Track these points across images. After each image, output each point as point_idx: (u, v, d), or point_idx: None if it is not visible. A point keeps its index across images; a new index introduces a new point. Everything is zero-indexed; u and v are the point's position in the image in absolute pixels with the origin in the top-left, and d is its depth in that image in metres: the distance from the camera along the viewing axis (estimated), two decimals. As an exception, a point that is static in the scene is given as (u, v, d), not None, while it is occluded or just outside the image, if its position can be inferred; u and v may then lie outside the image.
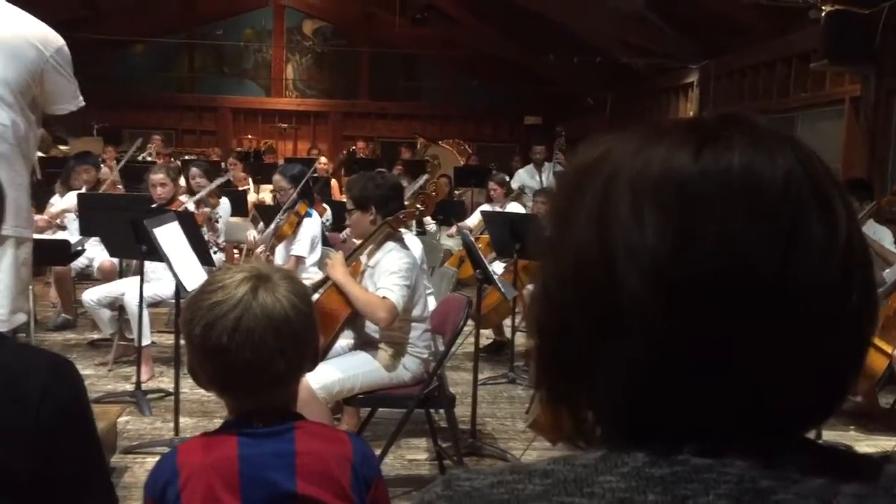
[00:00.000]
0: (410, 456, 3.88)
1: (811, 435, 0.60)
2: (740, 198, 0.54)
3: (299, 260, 5.20)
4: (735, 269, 0.54)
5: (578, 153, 0.64)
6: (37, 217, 6.15)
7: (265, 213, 6.55)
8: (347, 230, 6.02)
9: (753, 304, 0.54)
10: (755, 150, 0.56)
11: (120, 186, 7.08)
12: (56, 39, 2.97)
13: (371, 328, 3.47)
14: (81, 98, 3.11)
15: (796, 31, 7.74)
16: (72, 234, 5.96)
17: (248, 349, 1.36)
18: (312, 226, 5.30)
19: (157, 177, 5.47)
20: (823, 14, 6.54)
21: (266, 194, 9.32)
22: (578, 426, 0.62)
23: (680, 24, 9.47)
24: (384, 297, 3.23)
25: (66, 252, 5.60)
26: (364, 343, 3.50)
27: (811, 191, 0.55)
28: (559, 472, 0.57)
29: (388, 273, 3.29)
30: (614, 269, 0.56)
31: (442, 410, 3.72)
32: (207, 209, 5.74)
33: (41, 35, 2.92)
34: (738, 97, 9.15)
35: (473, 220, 7.31)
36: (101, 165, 7.39)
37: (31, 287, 5.46)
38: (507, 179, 7.53)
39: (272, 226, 5.48)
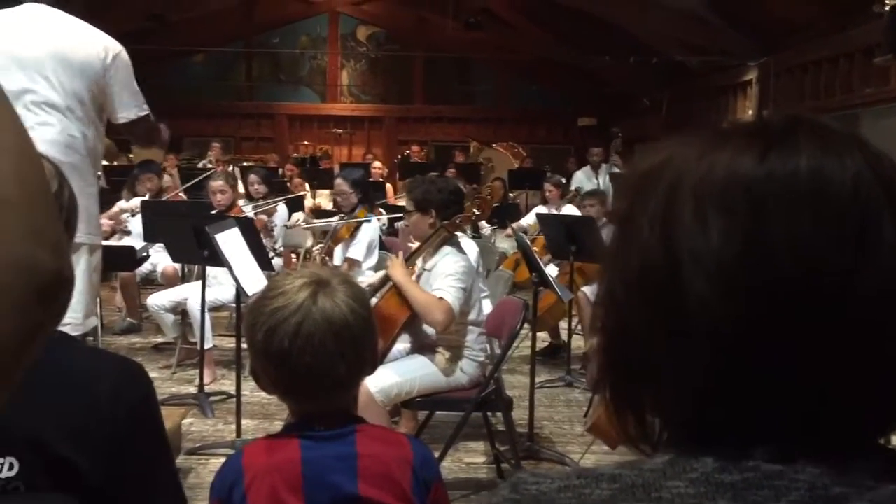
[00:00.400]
0: (468, 459, 3.89)
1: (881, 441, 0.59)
2: (808, 201, 0.54)
3: (354, 263, 5.25)
4: (803, 272, 0.53)
5: (638, 159, 0.64)
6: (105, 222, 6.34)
7: (322, 218, 6.64)
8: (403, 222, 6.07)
9: (821, 308, 0.53)
10: (823, 153, 0.56)
11: (182, 194, 7.26)
12: (115, 47, 3.03)
13: (429, 330, 3.49)
14: (146, 106, 3.15)
15: (859, 26, 7.53)
16: (136, 240, 6.12)
17: (309, 354, 1.38)
18: (370, 230, 5.35)
19: (217, 184, 5.59)
20: (887, 8, 6.35)
21: (322, 199, 9.44)
22: (642, 430, 0.62)
23: (737, 21, 9.30)
24: (440, 298, 3.24)
25: (131, 258, 5.75)
26: (421, 346, 3.52)
27: (881, 192, 0.55)
28: (627, 476, 0.57)
29: (444, 275, 3.31)
30: (679, 273, 0.56)
31: (499, 414, 3.72)
32: (264, 217, 5.85)
33: (102, 45, 2.99)
34: (798, 95, 8.94)
35: (529, 219, 7.29)
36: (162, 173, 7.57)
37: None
38: (563, 181, 7.50)
39: (332, 224, 5.56)
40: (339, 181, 5.64)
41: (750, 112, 10.10)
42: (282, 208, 6.45)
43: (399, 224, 6.59)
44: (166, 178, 8.10)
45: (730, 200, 0.55)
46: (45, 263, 0.52)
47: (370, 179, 9.07)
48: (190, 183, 7.55)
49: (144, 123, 3.17)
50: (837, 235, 0.53)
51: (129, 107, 3.09)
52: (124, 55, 3.06)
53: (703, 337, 0.55)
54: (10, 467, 1.16)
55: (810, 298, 0.53)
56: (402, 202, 5.99)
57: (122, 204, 6.67)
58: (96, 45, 2.98)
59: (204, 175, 7.80)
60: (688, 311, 0.55)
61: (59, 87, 2.89)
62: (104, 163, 10.92)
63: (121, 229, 6.41)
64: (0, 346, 0.50)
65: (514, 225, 7.25)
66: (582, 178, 8.80)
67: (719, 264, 0.54)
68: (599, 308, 0.63)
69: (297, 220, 6.71)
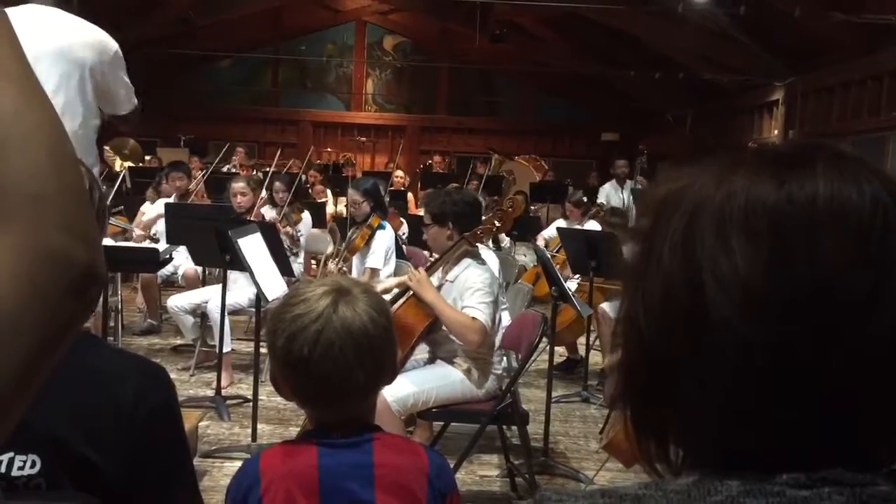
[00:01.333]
0: (482, 472, 3.88)
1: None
2: (827, 224, 0.55)
3: (374, 272, 5.26)
4: (827, 295, 0.54)
5: (655, 185, 0.65)
6: (136, 232, 6.41)
7: (343, 226, 6.67)
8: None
9: (845, 331, 0.54)
10: (840, 177, 0.56)
11: (204, 193, 7.32)
12: (110, 44, 3.11)
13: (447, 341, 3.49)
14: (136, 100, 3.27)
15: (888, 49, 7.49)
16: (162, 243, 6.16)
17: (329, 361, 1.39)
18: (386, 238, 5.35)
19: (238, 186, 5.63)
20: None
21: (344, 206, 9.48)
22: (662, 452, 0.62)
23: (765, 41, 9.26)
24: (474, 318, 3.24)
25: (154, 259, 5.78)
26: (439, 357, 3.52)
27: None
28: (651, 497, 0.57)
29: (471, 291, 3.31)
30: (703, 299, 0.56)
31: (514, 427, 3.71)
32: (290, 229, 5.88)
33: (98, 41, 3.07)
34: (825, 116, 8.89)
35: (551, 231, 7.28)
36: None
37: (117, 291, 5.68)
38: (584, 199, 7.48)
39: (346, 240, 5.57)
40: (350, 191, 5.65)
41: (775, 132, 10.04)
42: (306, 217, 6.48)
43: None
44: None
45: (752, 225, 0.56)
46: (78, 257, 0.53)
47: (391, 188, 9.11)
48: (205, 175, 7.59)
49: (137, 112, 3.32)
50: (858, 257, 0.54)
51: (127, 101, 3.23)
52: (119, 53, 3.16)
53: (729, 361, 0.55)
54: (33, 465, 1.17)
55: (834, 321, 0.54)
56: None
57: (151, 210, 6.70)
58: (91, 41, 3.06)
59: (220, 162, 7.83)
60: (713, 336, 0.56)
61: (62, 84, 2.96)
62: (129, 164, 11.06)
63: (149, 237, 6.45)
64: (34, 336, 0.51)
65: (538, 242, 7.22)
66: (610, 191, 8.79)
67: (746, 288, 0.55)
68: (620, 335, 0.63)
69: (330, 248, 6.74)
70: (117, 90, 3.18)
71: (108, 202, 8.09)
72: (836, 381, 0.54)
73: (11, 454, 1.16)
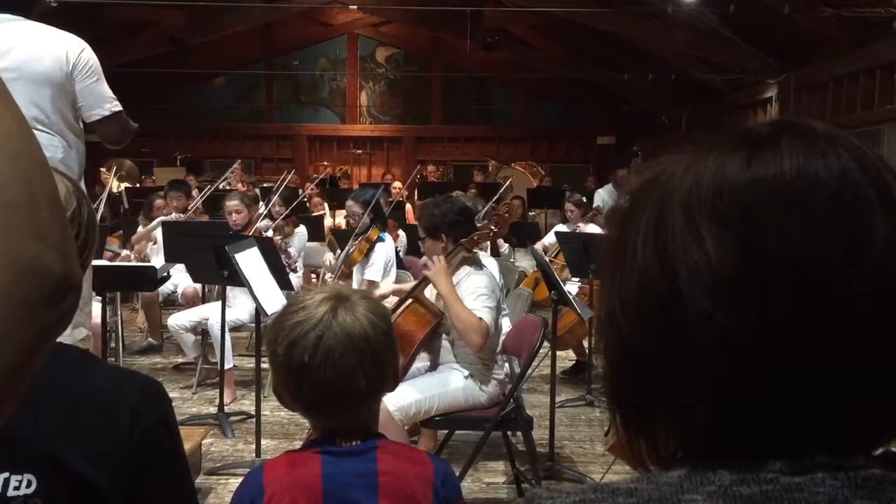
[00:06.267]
0: (488, 479, 3.86)
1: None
2: (795, 203, 0.54)
3: (372, 284, 5.24)
4: (798, 275, 0.52)
5: (628, 180, 0.64)
6: (124, 252, 6.40)
7: (341, 238, 6.66)
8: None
9: (822, 310, 0.52)
10: (805, 153, 0.55)
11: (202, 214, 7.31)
12: (76, 47, 2.94)
13: (447, 348, 3.47)
14: (117, 103, 3.06)
15: (879, 42, 7.50)
16: (157, 260, 6.15)
17: (329, 367, 1.38)
18: (385, 250, 5.32)
19: (232, 204, 5.60)
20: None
21: (342, 219, 9.47)
22: (653, 450, 0.61)
23: (757, 39, 9.28)
24: (480, 319, 3.23)
25: (152, 278, 5.76)
26: (440, 364, 3.50)
27: (869, 186, 0.54)
28: (643, 490, 0.56)
29: (475, 295, 3.30)
30: (678, 291, 0.55)
31: (519, 433, 3.69)
32: (278, 237, 5.85)
33: (62, 49, 2.90)
34: (819, 111, 8.89)
35: (549, 238, 7.27)
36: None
37: (116, 312, 5.67)
38: (584, 200, 7.48)
39: (343, 253, 5.55)
40: (349, 203, 5.62)
41: (770, 129, 10.04)
42: (301, 230, 6.46)
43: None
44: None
45: (720, 210, 0.55)
46: (51, 266, 0.52)
47: (391, 199, 9.10)
48: (202, 196, 7.59)
49: (116, 121, 3.08)
50: (827, 234, 0.53)
51: (98, 105, 3.01)
52: (87, 54, 2.97)
53: (710, 352, 0.54)
54: (29, 484, 1.16)
55: (809, 301, 0.52)
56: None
57: (143, 230, 6.69)
58: (56, 50, 2.89)
59: (213, 186, 7.83)
60: (691, 328, 0.54)
61: (26, 101, 2.76)
62: (126, 185, 11.06)
63: (142, 258, 6.43)
64: (9, 348, 0.50)
65: (535, 246, 7.21)
66: (605, 196, 8.78)
67: (717, 276, 0.54)
68: (601, 332, 0.62)
69: (329, 261, 6.74)
70: (90, 94, 2.99)
71: (109, 223, 8.09)
72: (818, 362, 0.53)
73: (7, 474, 1.15)
